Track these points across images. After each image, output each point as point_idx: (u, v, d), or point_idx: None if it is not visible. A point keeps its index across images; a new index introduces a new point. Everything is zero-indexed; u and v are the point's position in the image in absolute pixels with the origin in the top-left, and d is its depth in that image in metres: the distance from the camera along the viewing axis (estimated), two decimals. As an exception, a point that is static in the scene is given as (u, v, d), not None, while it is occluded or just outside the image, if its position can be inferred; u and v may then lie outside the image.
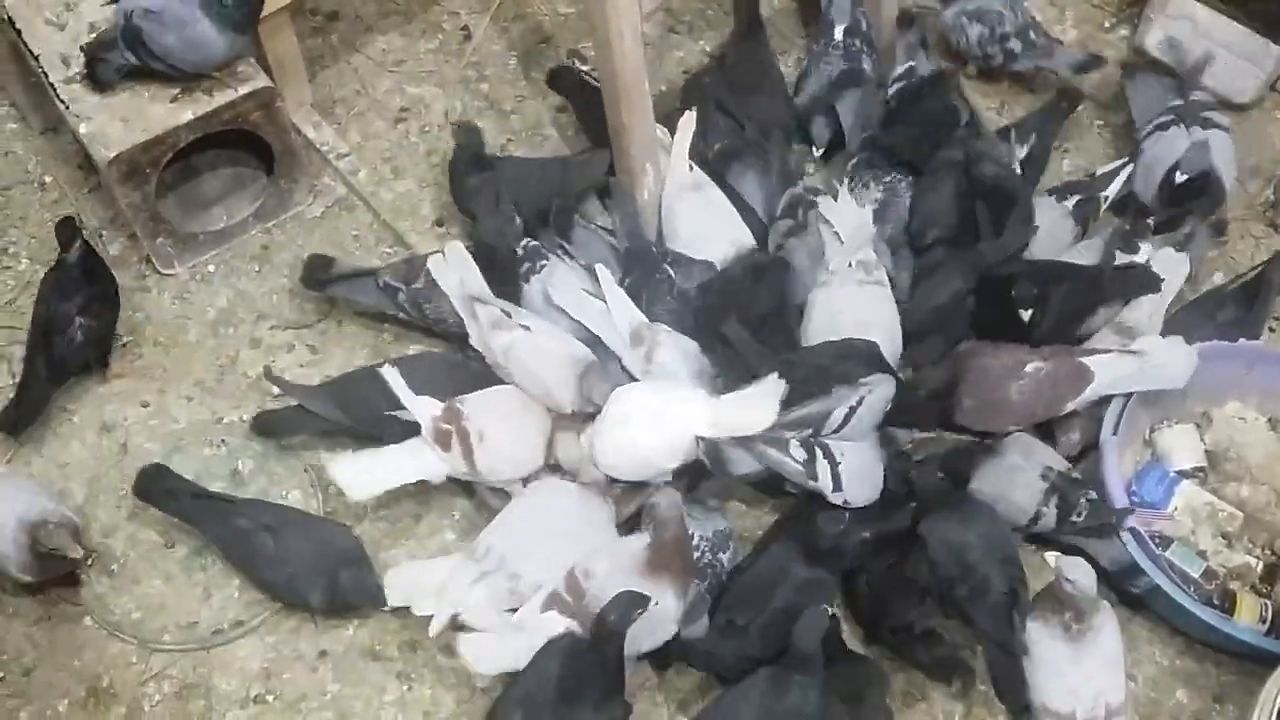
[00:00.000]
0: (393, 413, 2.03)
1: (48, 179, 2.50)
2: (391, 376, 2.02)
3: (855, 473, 1.97)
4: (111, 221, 2.43)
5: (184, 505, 2.03)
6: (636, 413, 2.01)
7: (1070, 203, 2.31)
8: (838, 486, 1.95)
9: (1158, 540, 2.01)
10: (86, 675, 1.97)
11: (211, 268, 2.39)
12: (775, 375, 1.96)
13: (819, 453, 1.95)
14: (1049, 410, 2.07)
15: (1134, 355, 2.05)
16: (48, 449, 2.18)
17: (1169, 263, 2.20)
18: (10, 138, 2.55)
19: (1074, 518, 1.98)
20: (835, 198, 2.29)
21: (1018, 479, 2.00)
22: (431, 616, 1.89)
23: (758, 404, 1.96)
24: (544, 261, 2.19)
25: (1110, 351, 2.07)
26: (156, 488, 2.03)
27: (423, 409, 2.02)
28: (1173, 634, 2.02)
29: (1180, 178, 2.27)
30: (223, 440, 2.18)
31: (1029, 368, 2.04)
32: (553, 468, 2.07)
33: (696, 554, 1.93)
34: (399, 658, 1.98)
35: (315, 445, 2.17)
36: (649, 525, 1.86)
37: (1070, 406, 2.06)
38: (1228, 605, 1.97)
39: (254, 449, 2.17)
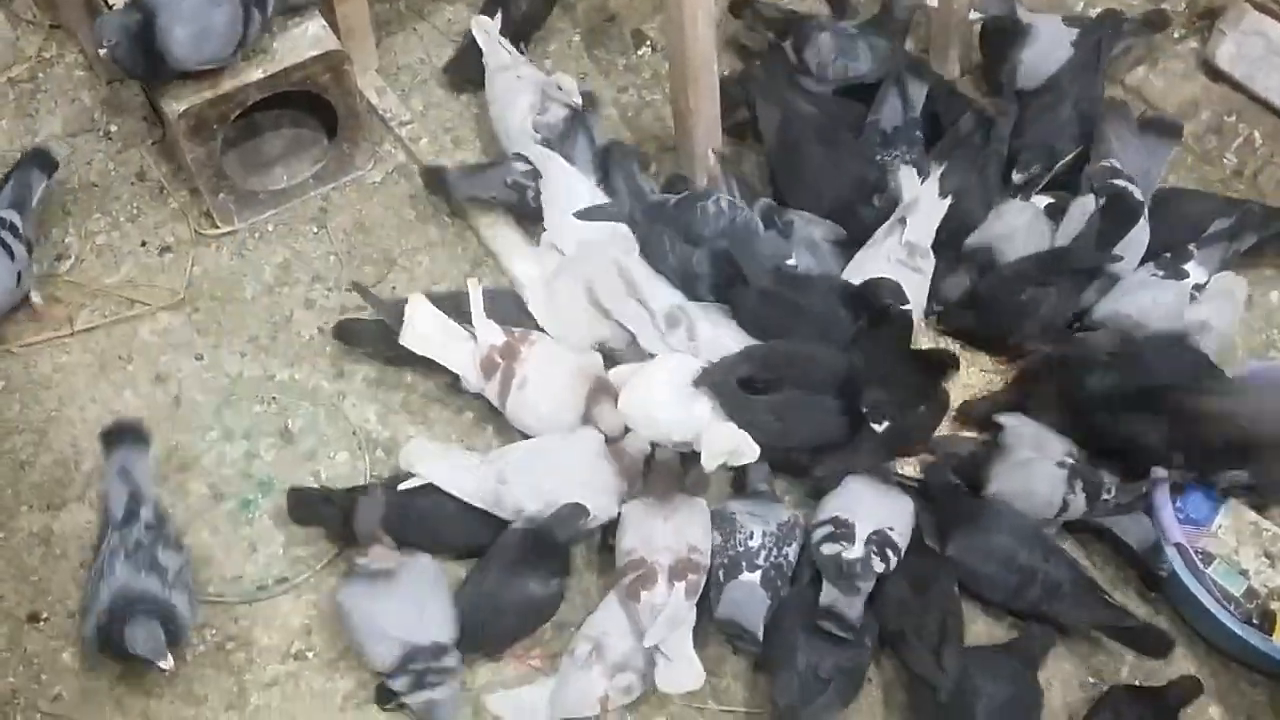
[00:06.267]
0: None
1: (113, 128, 2.51)
2: (475, 292, 2.10)
3: None
4: (174, 175, 2.45)
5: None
6: (674, 383, 2.04)
7: (1043, 204, 2.30)
8: None
9: (1201, 556, 2.01)
10: (130, 621, 2.00)
11: (270, 226, 2.41)
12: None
13: None
14: None
15: None
16: (100, 395, 2.20)
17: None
18: (78, 85, 2.57)
19: (1104, 497, 2.00)
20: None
21: (1036, 472, 2.02)
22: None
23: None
24: None
25: None
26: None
27: (487, 333, 2.09)
28: (1209, 652, 2.02)
29: None
30: (274, 398, 2.20)
31: None
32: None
33: (762, 554, 1.95)
34: (437, 624, 2.00)
35: (366, 408, 2.19)
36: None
37: None
38: (1267, 625, 1.97)
39: (305, 408, 2.19)
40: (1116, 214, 2.19)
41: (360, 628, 1.87)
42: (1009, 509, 2.02)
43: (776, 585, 1.95)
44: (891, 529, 1.94)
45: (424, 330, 2.10)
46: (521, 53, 2.49)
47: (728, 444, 1.99)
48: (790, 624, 1.90)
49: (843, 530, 1.92)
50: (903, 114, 2.38)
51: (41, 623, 1.99)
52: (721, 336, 2.11)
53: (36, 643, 1.97)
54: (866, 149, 2.37)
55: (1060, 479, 2.00)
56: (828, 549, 1.92)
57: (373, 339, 2.21)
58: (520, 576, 1.91)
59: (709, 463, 1.99)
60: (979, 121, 2.37)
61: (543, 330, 2.17)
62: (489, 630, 1.93)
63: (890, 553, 1.92)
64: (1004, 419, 2.08)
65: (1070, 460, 2.01)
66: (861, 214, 2.29)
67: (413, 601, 1.87)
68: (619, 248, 2.16)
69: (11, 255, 2.16)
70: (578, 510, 1.94)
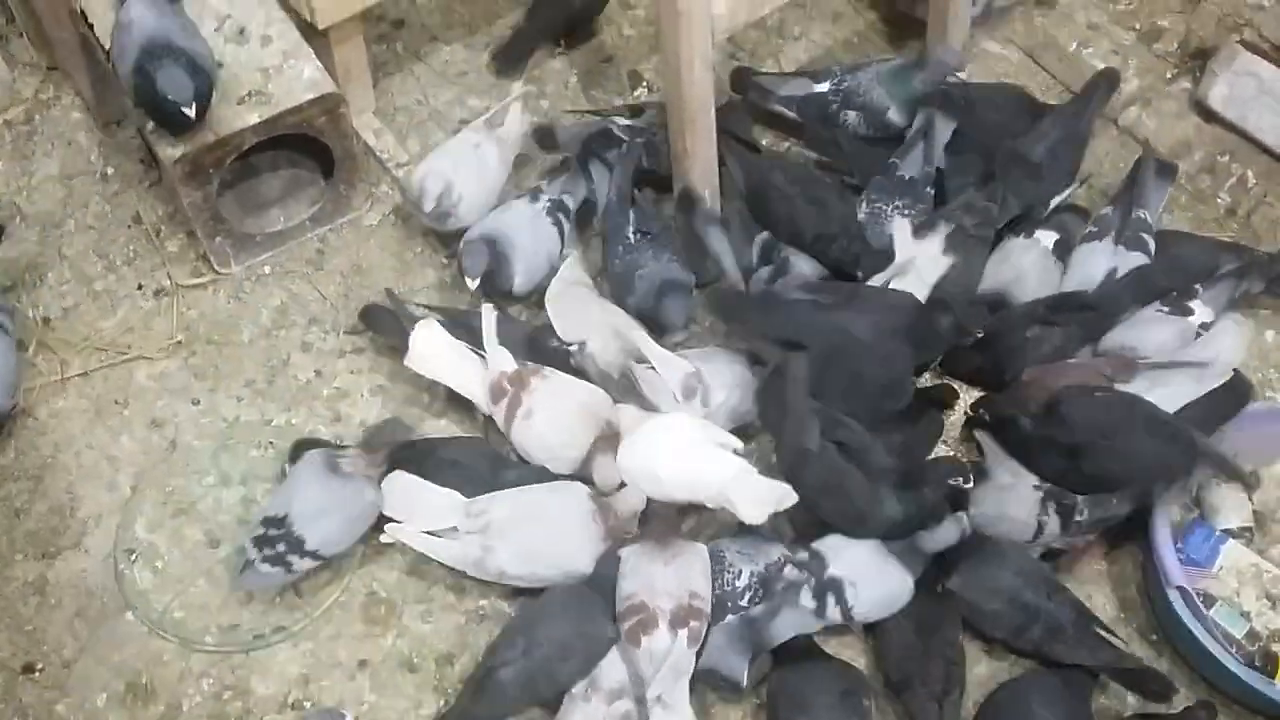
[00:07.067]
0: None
1: (109, 171, 2.51)
2: (488, 317, 2.15)
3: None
4: (170, 218, 2.44)
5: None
6: (675, 439, 2.02)
7: (1049, 242, 2.29)
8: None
9: (1203, 598, 2.01)
10: (126, 671, 1.97)
11: (267, 269, 2.40)
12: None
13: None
14: None
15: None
16: (96, 440, 2.19)
17: None
18: (74, 127, 2.56)
19: (1078, 518, 2.01)
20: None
21: (1012, 496, 2.04)
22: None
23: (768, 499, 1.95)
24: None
25: None
26: None
27: (498, 360, 2.11)
28: (1211, 693, 2.01)
29: None
30: (270, 442, 2.19)
31: None
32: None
33: (747, 595, 1.94)
34: (436, 671, 1.99)
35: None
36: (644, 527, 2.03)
37: None
38: (1269, 667, 1.97)
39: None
40: (1142, 287, 2.25)
41: (287, 484, 2.02)
42: (1013, 544, 2.02)
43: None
44: (854, 584, 1.92)
45: (428, 352, 2.13)
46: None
47: (773, 494, 1.93)
48: (784, 709, 1.88)
49: (815, 562, 1.93)
50: (921, 166, 2.36)
51: (36, 674, 1.97)
52: (732, 401, 2.12)
53: (31, 694, 1.95)
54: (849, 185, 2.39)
55: (1035, 501, 2.02)
56: (790, 573, 1.93)
57: (393, 330, 2.23)
58: (593, 622, 1.91)
59: (759, 515, 1.91)
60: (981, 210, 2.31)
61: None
62: (567, 678, 1.90)
63: (833, 601, 1.91)
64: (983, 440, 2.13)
65: (1044, 484, 2.03)
66: (843, 252, 2.29)
67: (329, 506, 1.96)
68: (624, 321, 2.18)
69: (8, 333, 2.17)
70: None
